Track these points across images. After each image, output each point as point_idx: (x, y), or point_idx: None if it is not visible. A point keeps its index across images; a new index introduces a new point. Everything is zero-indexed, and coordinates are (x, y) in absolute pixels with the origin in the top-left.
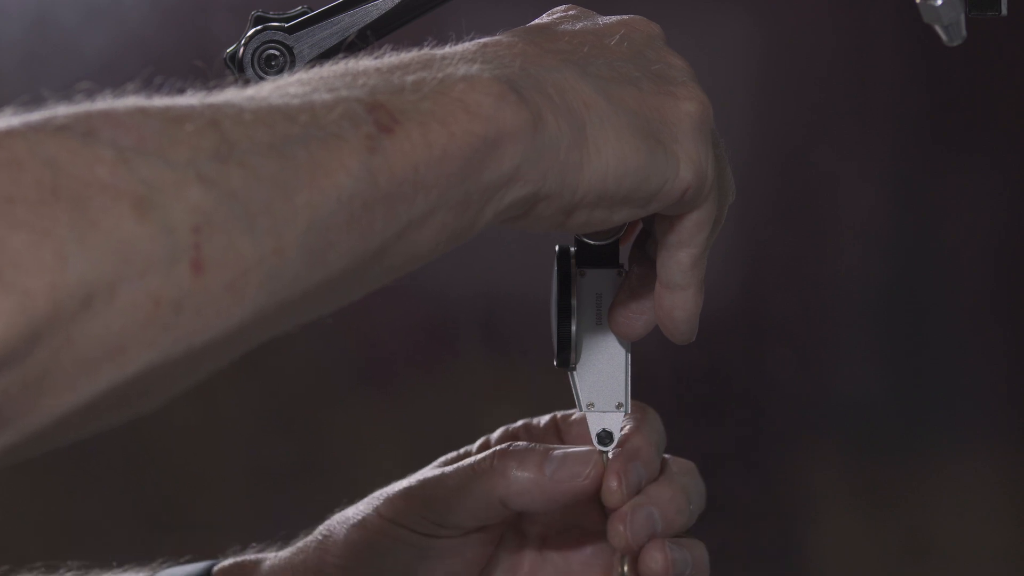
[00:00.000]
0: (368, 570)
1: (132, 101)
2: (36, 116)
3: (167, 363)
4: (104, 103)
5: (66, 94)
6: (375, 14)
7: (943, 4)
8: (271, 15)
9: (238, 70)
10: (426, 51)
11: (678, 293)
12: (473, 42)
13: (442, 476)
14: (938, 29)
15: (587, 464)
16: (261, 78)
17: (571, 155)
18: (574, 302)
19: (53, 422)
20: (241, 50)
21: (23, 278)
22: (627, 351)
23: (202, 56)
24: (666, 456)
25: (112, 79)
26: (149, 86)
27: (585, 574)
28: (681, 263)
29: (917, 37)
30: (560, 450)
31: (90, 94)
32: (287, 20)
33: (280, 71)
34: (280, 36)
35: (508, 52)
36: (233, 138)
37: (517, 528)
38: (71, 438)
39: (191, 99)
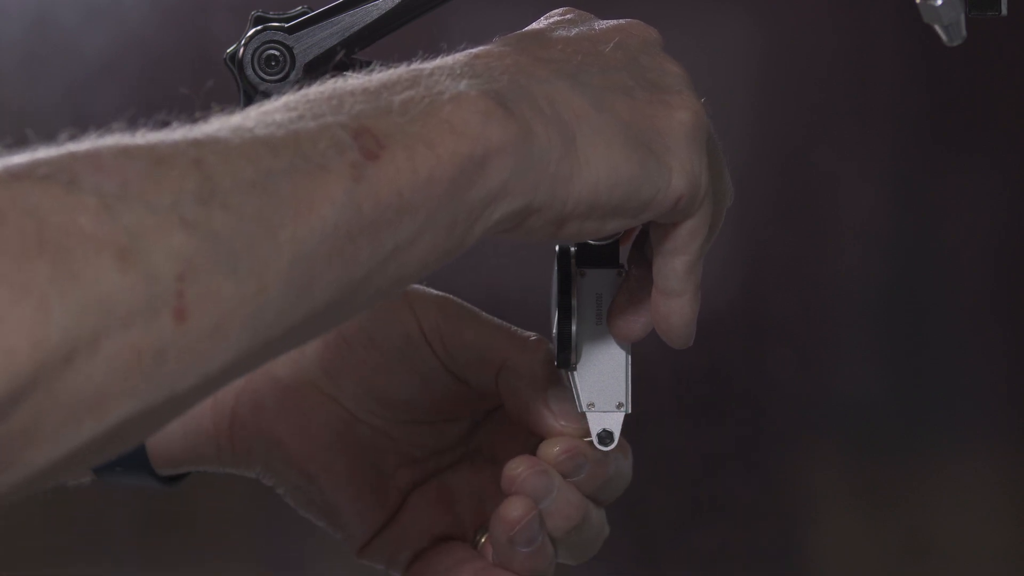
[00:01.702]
0: (358, 335)
1: (115, 141)
2: (19, 162)
3: (149, 410)
4: (88, 144)
5: (52, 140)
6: (375, 14)
7: (943, 4)
8: (271, 15)
9: (238, 70)
10: (415, 66)
11: (674, 299)
12: (464, 53)
13: (481, 315)
14: (938, 29)
15: (573, 422)
16: (261, 78)
17: (561, 167)
18: (574, 302)
19: (34, 473)
20: (241, 50)
21: (5, 336)
22: (627, 351)
23: (202, 56)
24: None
25: (112, 79)
26: (149, 85)
27: (463, 503)
28: (676, 270)
29: (917, 37)
30: (570, 402)
31: (73, 138)
32: (287, 20)
33: (280, 71)
34: (280, 36)
35: (499, 64)
36: (216, 177)
37: (473, 430)
38: (53, 482)
39: (175, 134)
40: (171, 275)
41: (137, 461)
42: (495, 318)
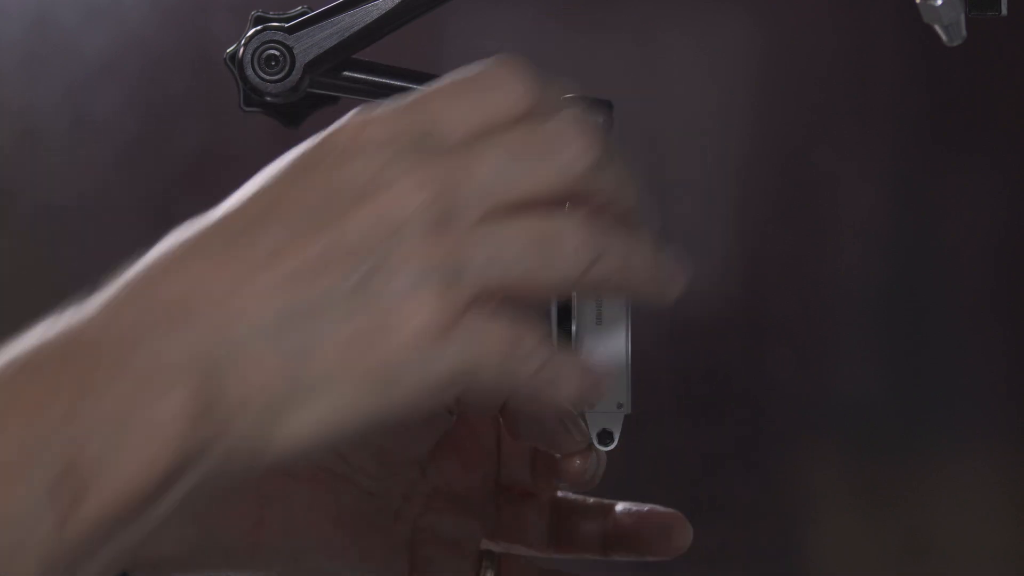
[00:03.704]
0: None
1: None
2: None
3: None
4: None
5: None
6: (375, 14)
7: (943, 4)
8: (271, 15)
9: (238, 70)
10: (115, 354)
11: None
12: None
13: None
14: (938, 29)
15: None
16: (261, 78)
17: (260, 432)
18: (574, 302)
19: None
20: (241, 50)
21: None
22: (627, 351)
23: (202, 56)
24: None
25: (112, 79)
26: (149, 85)
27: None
28: (541, 418)
29: (917, 37)
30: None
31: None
32: (287, 20)
33: (280, 71)
34: (280, 36)
35: (194, 328)
36: None
37: (423, 473)
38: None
39: None
40: None
41: None
42: None
